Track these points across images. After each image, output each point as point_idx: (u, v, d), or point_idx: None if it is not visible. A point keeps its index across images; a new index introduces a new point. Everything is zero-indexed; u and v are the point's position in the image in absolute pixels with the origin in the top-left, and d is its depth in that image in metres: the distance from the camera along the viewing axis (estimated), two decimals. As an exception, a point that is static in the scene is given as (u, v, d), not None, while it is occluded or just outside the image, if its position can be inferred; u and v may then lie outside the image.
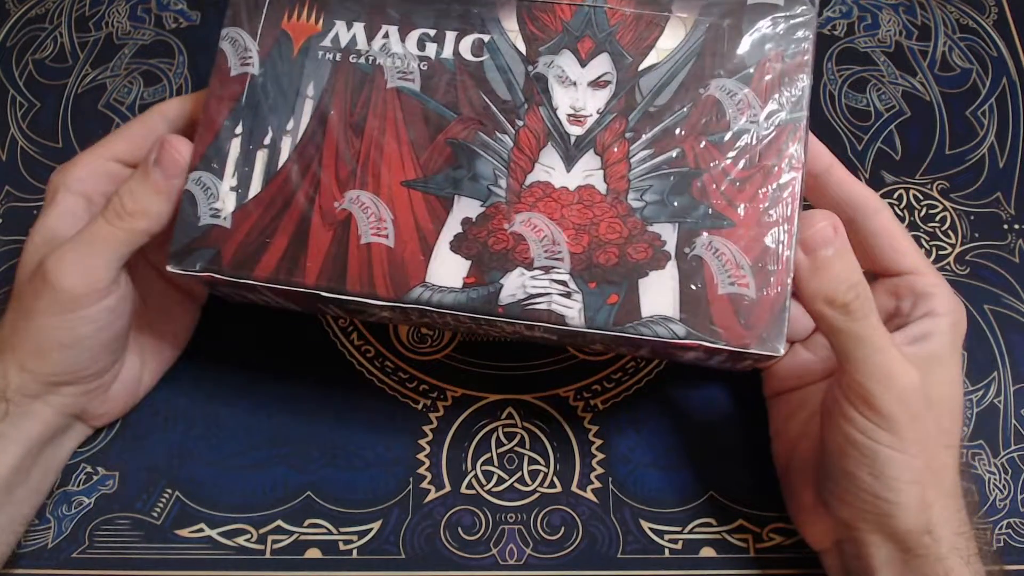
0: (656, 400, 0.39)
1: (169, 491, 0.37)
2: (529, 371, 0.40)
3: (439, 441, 0.38)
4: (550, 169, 0.31)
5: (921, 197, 0.44)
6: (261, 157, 0.32)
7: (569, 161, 0.31)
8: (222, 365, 0.39)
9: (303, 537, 0.36)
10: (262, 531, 0.36)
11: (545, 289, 0.30)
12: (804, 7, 0.31)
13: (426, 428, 0.38)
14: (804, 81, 0.31)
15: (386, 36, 0.32)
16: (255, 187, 0.32)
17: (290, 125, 0.32)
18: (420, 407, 0.39)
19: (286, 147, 0.32)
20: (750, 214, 0.30)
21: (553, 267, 0.30)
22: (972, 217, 0.43)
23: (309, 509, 0.37)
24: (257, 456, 0.38)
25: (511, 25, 0.32)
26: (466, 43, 0.32)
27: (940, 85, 0.47)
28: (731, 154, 0.30)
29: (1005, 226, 0.43)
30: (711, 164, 0.30)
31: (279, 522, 0.36)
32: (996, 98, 0.47)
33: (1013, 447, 0.38)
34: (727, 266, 0.30)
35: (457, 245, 0.31)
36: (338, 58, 0.32)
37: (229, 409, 0.38)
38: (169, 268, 0.31)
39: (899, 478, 0.29)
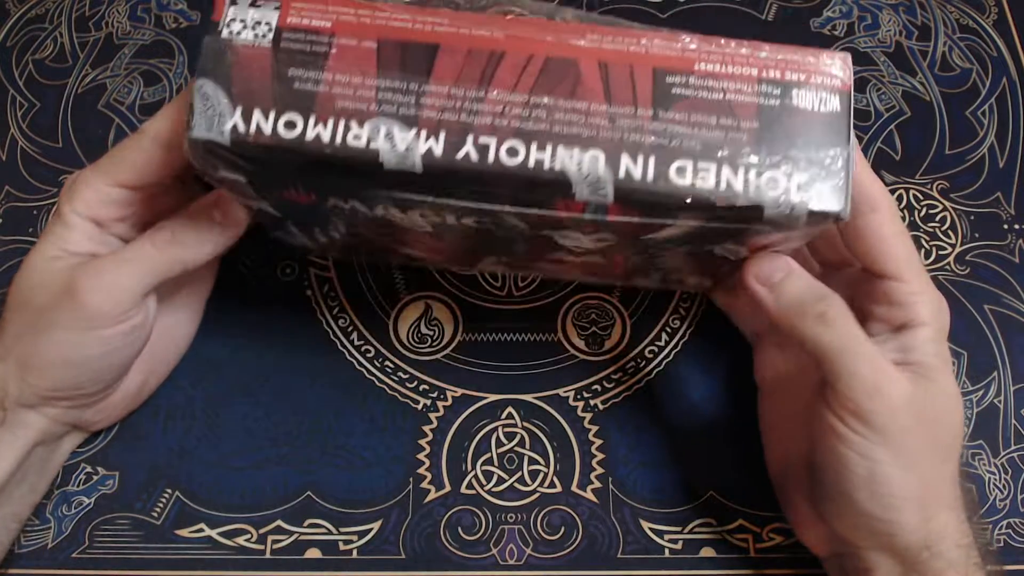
0: (656, 400, 0.39)
1: (169, 491, 0.37)
2: (529, 371, 0.40)
3: (439, 441, 0.38)
4: (561, 257, 0.34)
5: (921, 197, 0.44)
6: (320, 234, 0.35)
7: (577, 256, 0.33)
8: (222, 365, 0.39)
9: (303, 537, 0.36)
10: (262, 531, 0.36)
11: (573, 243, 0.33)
12: (823, 223, 0.27)
13: (426, 428, 0.38)
14: (805, 240, 0.31)
15: (385, 209, 0.30)
16: (324, 240, 0.36)
17: (332, 228, 0.34)
18: (420, 407, 0.39)
19: (337, 234, 0.35)
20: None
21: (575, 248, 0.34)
22: (972, 217, 0.43)
23: (309, 509, 0.37)
24: (257, 456, 0.38)
25: (511, 219, 0.30)
26: (468, 219, 0.30)
27: (940, 85, 0.47)
28: (714, 260, 0.32)
29: (1005, 226, 0.43)
30: (699, 260, 0.33)
31: (279, 522, 0.36)
32: (996, 98, 0.47)
33: (1013, 447, 0.38)
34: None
35: (495, 264, 0.38)
36: (347, 211, 0.31)
37: (229, 409, 0.38)
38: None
39: (897, 495, 0.29)
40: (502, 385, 0.39)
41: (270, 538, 0.36)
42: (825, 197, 0.26)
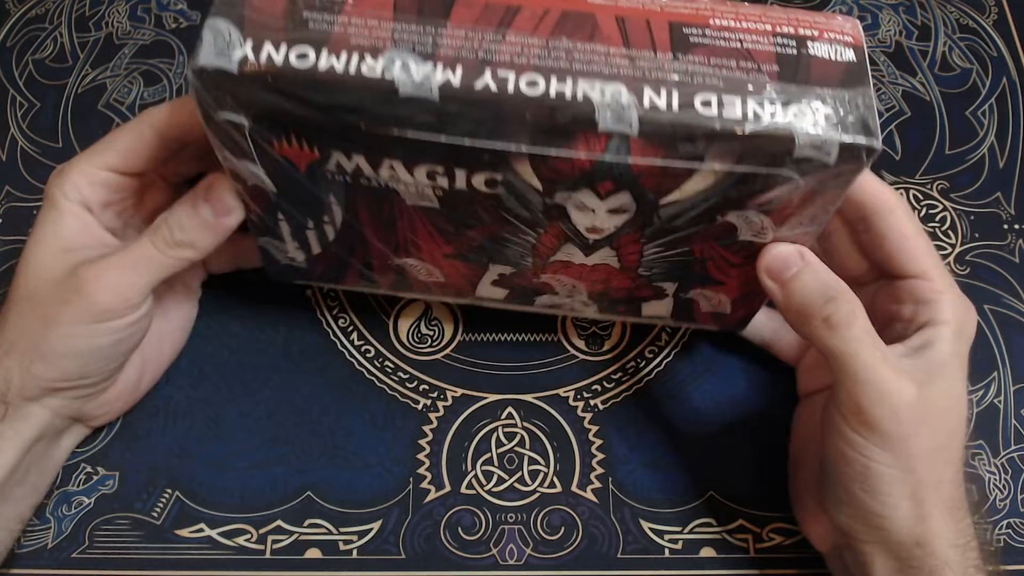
0: (656, 400, 0.39)
1: (169, 491, 0.37)
2: (529, 371, 0.40)
3: (439, 441, 0.38)
4: (570, 254, 0.33)
5: (921, 197, 0.44)
6: (311, 234, 0.33)
7: (587, 252, 0.32)
8: (222, 365, 0.39)
9: (303, 537, 0.36)
10: (262, 531, 0.36)
11: (569, 302, 0.37)
12: (853, 164, 0.27)
13: (426, 428, 0.38)
14: (829, 212, 0.29)
15: (392, 168, 0.28)
16: (315, 248, 0.34)
17: (327, 218, 0.32)
18: (420, 407, 0.39)
19: (330, 231, 0.33)
20: (739, 280, 0.33)
21: (574, 295, 0.36)
22: (972, 217, 0.43)
23: (309, 509, 0.37)
24: (257, 456, 0.38)
25: (524, 171, 0.28)
26: (478, 179, 0.28)
27: (940, 85, 0.47)
28: (735, 252, 0.31)
29: (1005, 226, 0.43)
30: (714, 255, 0.32)
31: (279, 522, 0.36)
32: (996, 98, 0.47)
33: (1013, 447, 0.38)
34: (711, 299, 0.35)
35: (496, 283, 0.36)
36: (349, 180, 0.29)
37: (229, 409, 0.38)
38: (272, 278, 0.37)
39: (891, 493, 0.29)
40: (502, 385, 0.39)
41: (270, 538, 0.36)
42: (856, 130, 0.26)
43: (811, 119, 0.26)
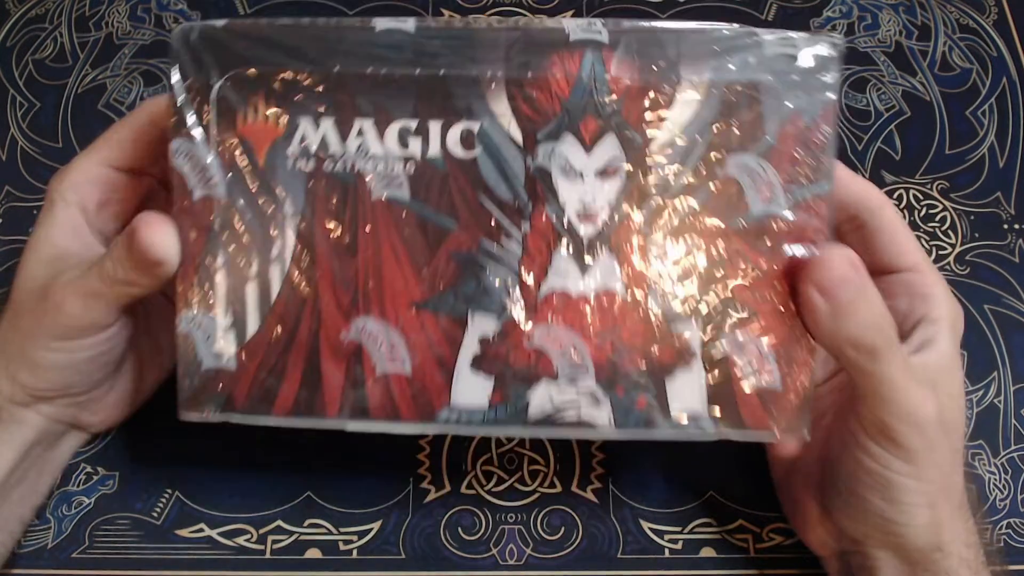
0: (656, 400, 0.39)
1: (169, 491, 0.37)
2: (529, 371, 0.40)
3: (439, 441, 0.38)
4: (565, 277, 0.29)
5: (921, 197, 0.44)
6: (251, 291, 0.29)
7: (583, 266, 0.29)
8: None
9: (303, 537, 0.36)
10: (262, 531, 0.36)
11: (572, 401, 0.29)
12: (826, 51, 0.28)
13: (426, 428, 0.38)
14: (829, 146, 0.28)
15: (361, 133, 0.28)
16: (252, 324, 0.29)
17: (275, 252, 0.29)
18: (420, 407, 0.39)
19: (276, 277, 0.29)
20: (773, 304, 0.29)
21: (578, 378, 0.29)
22: (972, 217, 0.43)
23: (309, 509, 0.37)
24: (257, 456, 0.38)
25: (501, 108, 0.28)
26: (454, 135, 0.28)
27: (940, 85, 0.47)
28: (754, 243, 0.29)
29: (1005, 226, 0.43)
30: (733, 256, 0.29)
31: (279, 522, 0.36)
32: (996, 98, 0.47)
33: (1013, 447, 0.38)
34: (752, 360, 0.29)
35: (478, 365, 0.29)
36: (311, 167, 0.29)
37: (229, 409, 0.38)
38: (184, 417, 0.30)
39: (912, 503, 0.29)
40: (502, 385, 0.39)
41: (270, 538, 0.36)
42: (820, 37, 0.28)
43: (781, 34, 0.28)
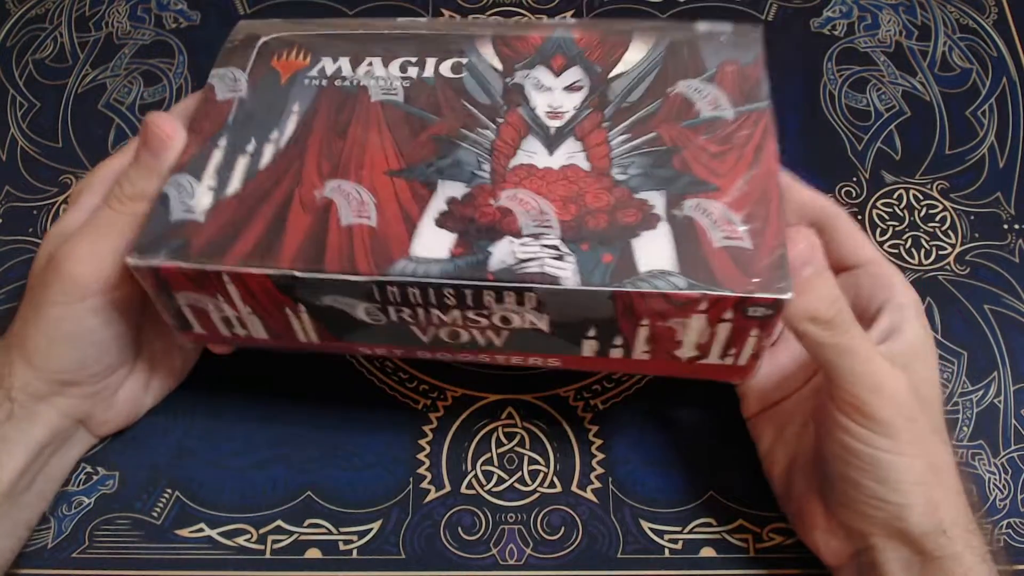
0: (656, 400, 0.39)
1: (169, 491, 0.37)
2: (529, 371, 0.40)
3: (439, 441, 0.38)
4: (532, 154, 0.31)
5: (921, 197, 0.44)
6: (242, 161, 0.32)
7: (550, 146, 0.32)
8: (222, 365, 0.39)
9: (303, 537, 0.36)
10: (262, 531, 0.36)
11: (536, 254, 0.29)
12: (752, 34, 0.35)
13: (426, 428, 0.38)
14: (763, 80, 0.33)
15: (370, 64, 0.35)
16: (234, 185, 0.31)
17: (274, 135, 0.33)
18: (420, 407, 0.39)
19: (268, 152, 0.32)
20: (732, 178, 0.30)
21: (543, 233, 0.29)
22: (972, 217, 0.43)
23: (309, 509, 0.37)
24: (257, 456, 0.38)
25: (488, 51, 0.35)
26: (446, 65, 0.34)
27: (940, 85, 0.47)
28: (705, 135, 0.32)
29: (1005, 226, 0.43)
30: (688, 142, 0.31)
31: (279, 522, 0.36)
32: (996, 98, 0.47)
33: (1013, 447, 0.38)
34: (718, 223, 0.29)
35: (442, 220, 0.30)
36: (324, 84, 0.34)
37: (229, 409, 0.38)
38: (130, 261, 0.29)
39: (904, 480, 0.29)
40: (502, 385, 0.39)
41: (270, 538, 0.36)
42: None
43: None
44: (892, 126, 0.46)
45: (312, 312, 0.30)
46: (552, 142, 0.32)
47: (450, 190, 0.30)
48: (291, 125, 0.33)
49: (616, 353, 0.31)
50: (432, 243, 0.29)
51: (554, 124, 0.32)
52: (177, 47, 0.48)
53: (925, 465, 0.29)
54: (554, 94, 0.33)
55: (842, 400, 0.29)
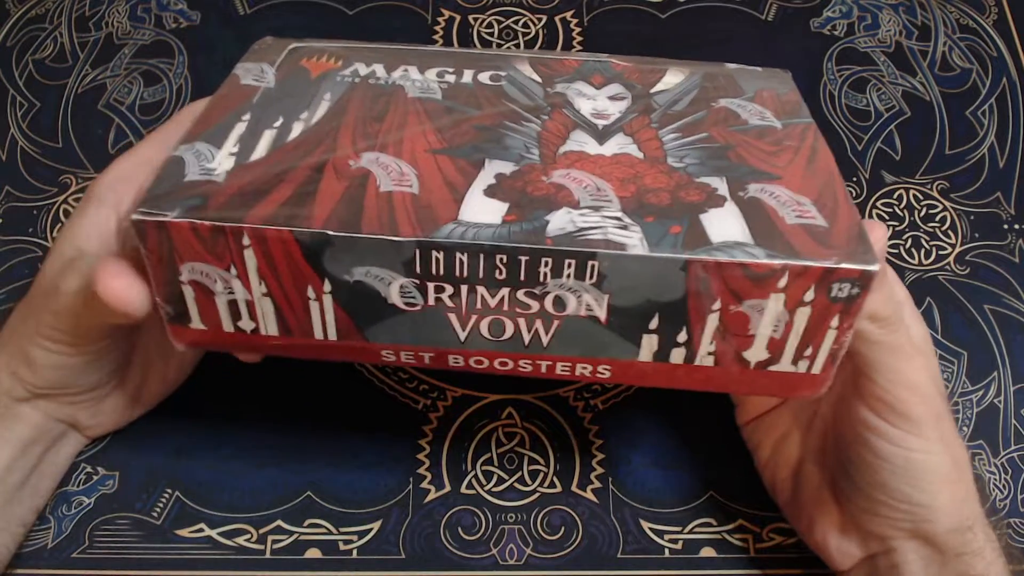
0: (656, 400, 0.39)
1: (169, 491, 0.37)
2: (529, 371, 0.40)
3: (439, 441, 0.38)
4: (582, 143, 0.29)
5: (921, 197, 0.44)
6: (268, 134, 0.29)
7: (600, 139, 0.30)
8: (222, 365, 0.39)
9: (303, 537, 0.36)
10: (262, 531, 0.36)
11: (598, 223, 0.26)
12: (782, 75, 0.35)
13: (426, 428, 0.38)
14: (802, 104, 0.33)
15: (405, 70, 0.33)
16: (259, 152, 0.28)
17: (304, 115, 0.30)
18: (420, 407, 0.39)
19: (298, 128, 0.29)
20: (792, 170, 0.28)
21: (603, 207, 0.26)
22: (972, 217, 0.43)
23: (309, 509, 0.37)
24: (257, 456, 0.38)
25: (525, 68, 0.34)
26: (484, 75, 0.33)
27: (940, 85, 0.47)
28: (756, 137, 0.30)
29: (1005, 226, 0.43)
30: (740, 141, 0.30)
31: (279, 522, 0.36)
32: (996, 98, 0.47)
33: (1013, 447, 0.38)
34: (788, 204, 0.27)
35: (492, 192, 0.27)
36: (357, 80, 0.32)
37: (229, 409, 0.38)
38: (135, 216, 0.25)
39: (934, 480, 0.29)
40: (502, 385, 0.39)
41: (270, 538, 0.36)
42: None
43: None
44: (892, 126, 0.46)
45: (338, 293, 0.27)
46: (601, 136, 0.30)
47: (499, 167, 0.28)
48: (322, 109, 0.30)
49: (677, 356, 0.28)
50: (482, 209, 0.26)
51: (601, 123, 0.31)
52: (177, 47, 0.48)
53: (951, 462, 0.29)
54: (597, 101, 0.32)
55: (876, 398, 0.29)
